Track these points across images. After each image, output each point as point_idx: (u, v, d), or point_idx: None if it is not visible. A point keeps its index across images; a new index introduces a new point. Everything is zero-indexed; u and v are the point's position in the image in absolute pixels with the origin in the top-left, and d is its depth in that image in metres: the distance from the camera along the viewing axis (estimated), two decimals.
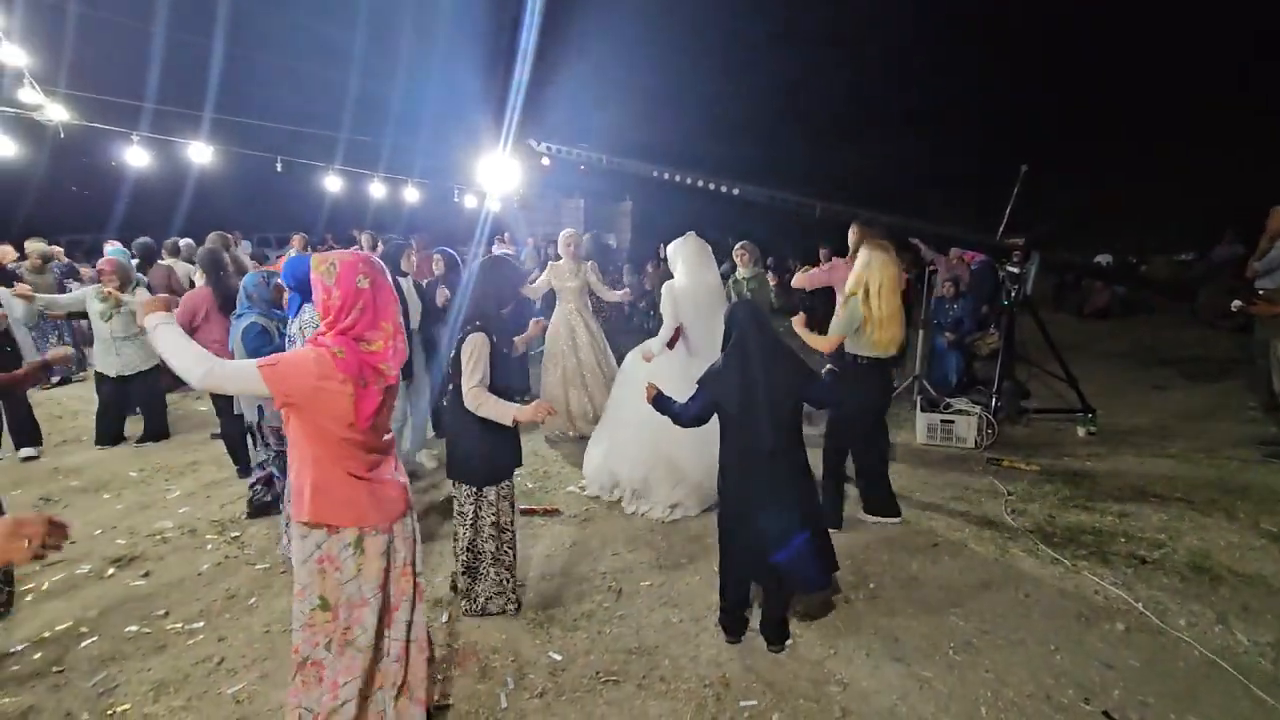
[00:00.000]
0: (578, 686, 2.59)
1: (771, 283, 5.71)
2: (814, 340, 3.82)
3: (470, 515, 2.95)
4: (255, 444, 3.91)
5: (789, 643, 2.85)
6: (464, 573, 3.02)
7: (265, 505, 4.08)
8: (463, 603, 3.06)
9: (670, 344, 4.29)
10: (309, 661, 2.00)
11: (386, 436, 2.08)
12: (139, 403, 5.72)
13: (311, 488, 1.93)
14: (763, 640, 2.84)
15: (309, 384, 1.84)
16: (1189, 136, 16.12)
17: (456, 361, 2.80)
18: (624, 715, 2.44)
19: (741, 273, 5.52)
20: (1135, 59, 16.17)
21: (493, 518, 2.96)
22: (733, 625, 2.92)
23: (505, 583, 3.04)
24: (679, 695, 2.54)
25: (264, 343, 3.57)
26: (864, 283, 3.67)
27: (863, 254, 3.73)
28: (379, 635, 2.06)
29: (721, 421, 2.82)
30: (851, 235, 4.70)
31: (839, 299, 4.65)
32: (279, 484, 3.85)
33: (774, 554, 2.68)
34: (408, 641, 2.13)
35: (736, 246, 5.58)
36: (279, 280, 3.78)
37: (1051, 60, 16.98)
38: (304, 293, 3.26)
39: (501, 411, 2.70)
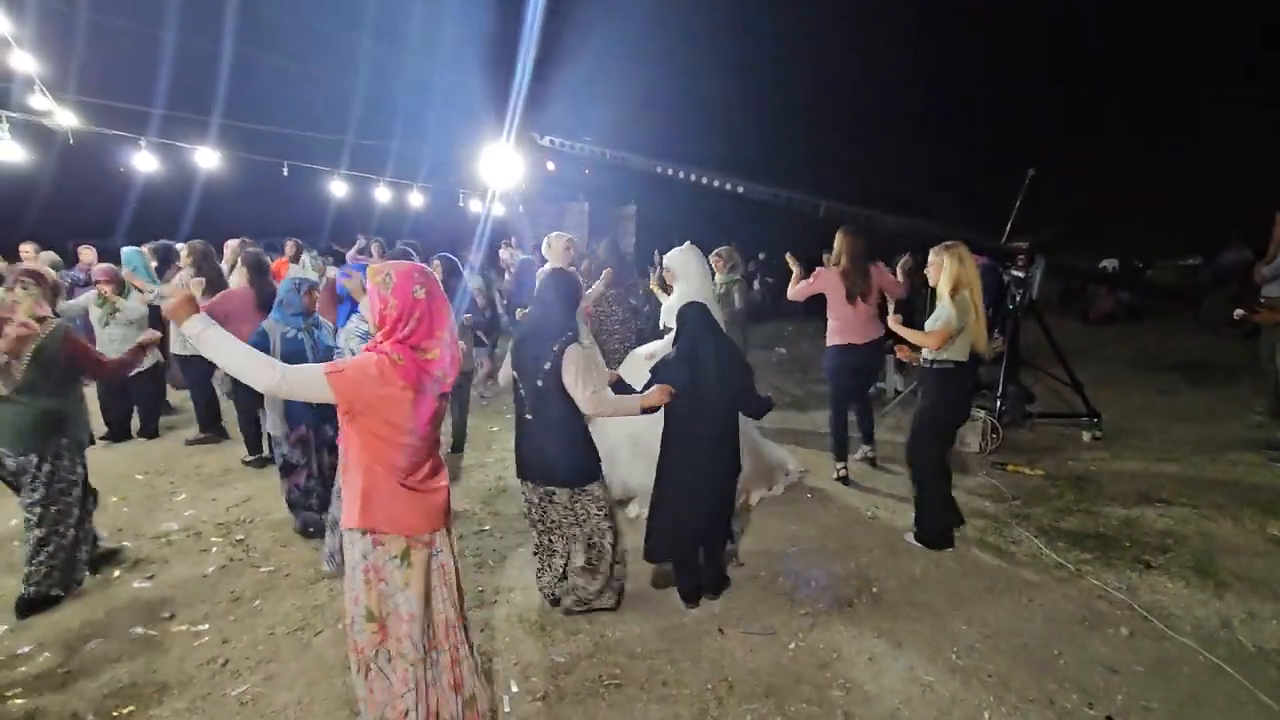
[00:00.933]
0: (580, 690, 2.59)
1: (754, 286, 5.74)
2: (918, 337, 3.66)
3: (582, 515, 2.95)
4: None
5: (726, 591, 3.25)
6: (583, 569, 2.99)
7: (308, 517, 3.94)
8: (568, 599, 3.05)
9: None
10: (372, 664, 2.02)
11: (438, 445, 2.13)
12: (138, 402, 5.81)
13: (363, 495, 1.94)
14: (763, 642, 2.86)
15: (373, 391, 1.87)
16: (1194, 130, 16.07)
17: (555, 374, 2.76)
18: (626, 718, 2.44)
19: (719, 278, 5.57)
20: (1140, 52, 16.14)
21: (598, 510, 2.96)
22: (691, 593, 3.19)
23: (621, 577, 3.11)
24: (681, 699, 2.54)
25: (296, 348, 3.66)
26: (969, 281, 3.59)
27: (948, 255, 3.66)
28: (427, 649, 2.06)
29: (668, 411, 3.02)
30: (838, 242, 4.75)
31: (831, 303, 4.69)
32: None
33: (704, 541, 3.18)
34: (460, 644, 2.14)
35: (713, 253, 5.62)
36: (310, 288, 3.82)
37: (1056, 55, 16.93)
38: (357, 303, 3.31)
39: (629, 405, 2.88)
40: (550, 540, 3.06)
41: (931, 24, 17.21)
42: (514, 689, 2.59)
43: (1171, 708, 2.45)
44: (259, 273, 4.88)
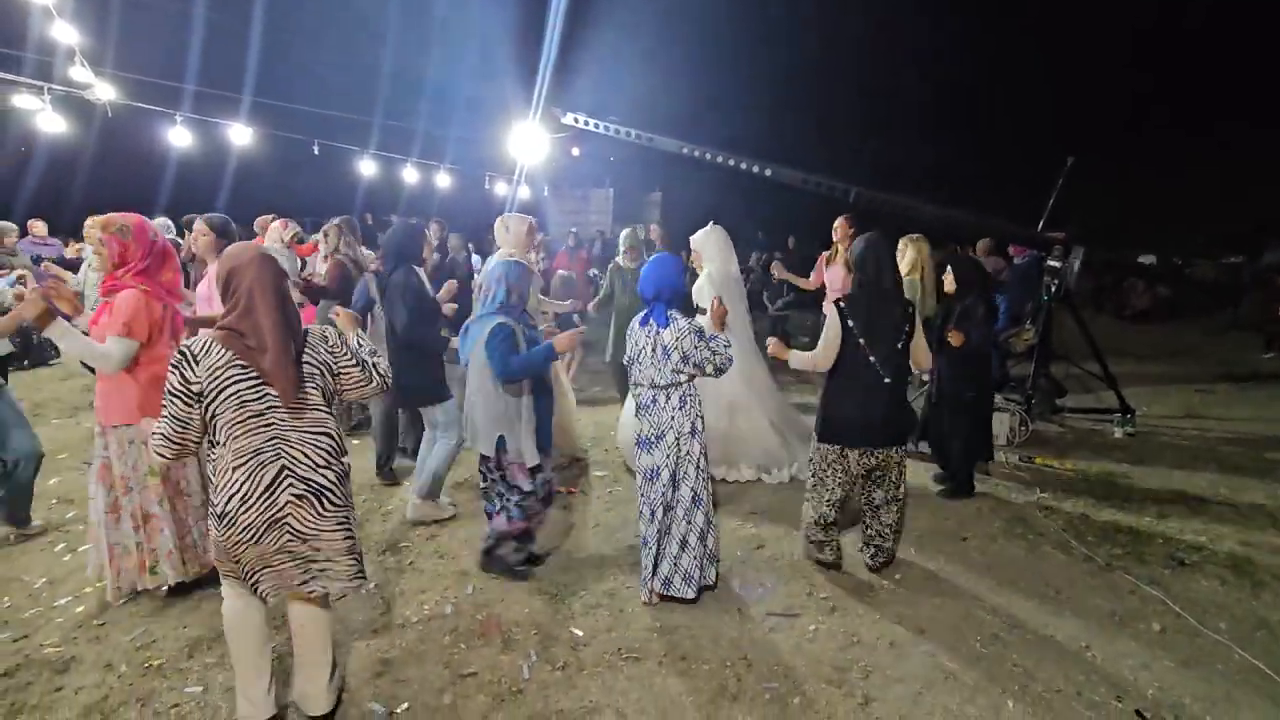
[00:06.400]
0: (599, 662, 2.60)
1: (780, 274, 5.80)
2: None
3: (900, 475, 3.20)
4: (488, 482, 3.14)
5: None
6: (894, 527, 3.24)
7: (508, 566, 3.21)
8: (880, 557, 3.27)
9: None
10: (150, 516, 2.80)
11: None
12: None
13: (139, 398, 2.71)
14: (784, 623, 2.86)
15: (151, 317, 2.68)
16: (1240, 129, 15.54)
17: (909, 337, 3.06)
18: (645, 691, 2.45)
19: (626, 262, 5.64)
20: (1177, 43, 15.66)
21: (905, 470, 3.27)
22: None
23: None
24: (700, 674, 2.54)
25: (510, 349, 2.88)
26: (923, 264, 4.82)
27: (911, 244, 4.85)
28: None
29: (959, 350, 3.88)
30: (843, 229, 5.18)
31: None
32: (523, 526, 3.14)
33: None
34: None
35: (624, 241, 5.75)
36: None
37: (1103, 44, 16.47)
38: (667, 299, 2.94)
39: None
40: (863, 505, 3.27)
41: (979, 9, 16.82)
42: (533, 657, 2.61)
43: (1204, 705, 2.39)
44: (229, 240, 4.90)
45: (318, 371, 2.08)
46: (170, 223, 6.48)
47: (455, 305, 4.25)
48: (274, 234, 5.96)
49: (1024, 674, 2.55)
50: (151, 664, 2.57)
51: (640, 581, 3.01)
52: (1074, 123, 15.92)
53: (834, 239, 5.31)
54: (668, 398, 2.92)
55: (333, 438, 2.10)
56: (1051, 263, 5.35)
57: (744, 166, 5.78)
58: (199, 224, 4.78)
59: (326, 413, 2.10)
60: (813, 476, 3.26)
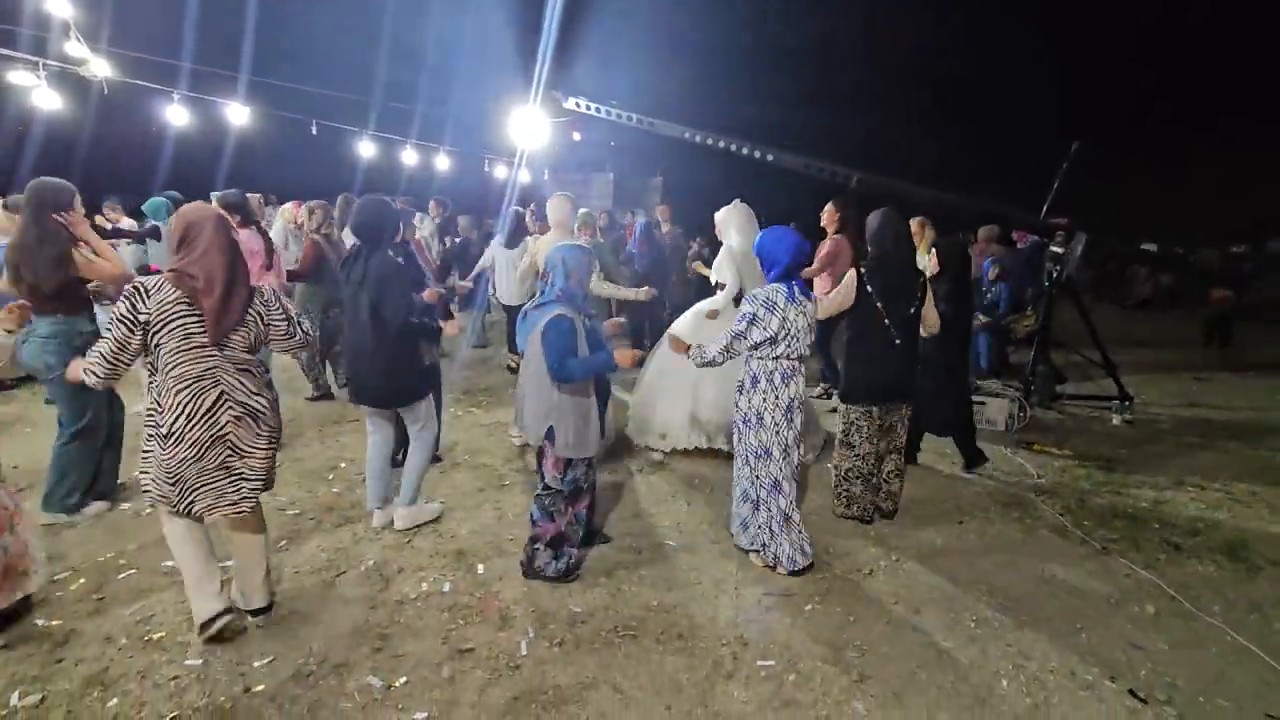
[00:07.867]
0: (596, 639, 2.62)
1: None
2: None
3: (903, 429, 3.53)
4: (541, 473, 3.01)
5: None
6: (897, 474, 3.59)
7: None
8: (888, 503, 3.61)
9: (737, 301, 4.40)
10: None
11: None
12: None
13: None
14: (780, 603, 2.87)
15: None
16: (1243, 120, 15.46)
17: (920, 303, 3.37)
18: (641, 667, 2.46)
19: (586, 241, 5.73)
20: (1185, 30, 15.53)
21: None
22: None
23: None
24: (696, 652, 2.55)
25: (568, 346, 2.74)
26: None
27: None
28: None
29: (953, 327, 3.83)
30: (830, 214, 5.28)
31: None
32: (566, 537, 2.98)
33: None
34: None
35: (579, 222, 5.76)
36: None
37: (1101, 39, 16.34)
38: (782, 270, 3.01)
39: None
40: (880, 457, 3.53)
41: (983, 3, 16.67)
42: (531, 634, 2.62)
43: (1197, 686, 2.41)
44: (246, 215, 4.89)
45: (254, 319, 2.39)
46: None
47: (442, 291, 4.00)
48: (287, 214, 5.99)
49: (1018, 654, 2.57)
50: (151, 637, 2.58)
51: (784, 558, 3.08)
52: (1078, 117, 15.77)
53: (822, 223, 5.34)
54: (795, 368, 3.10)
55: (255, 376, 2.44)
56: (1054, 249, 5.33)
57: (745, 151, 5.75)
58: (215, 203, 4.88)
59: (250, 356, 2.44)
60: (841, 435, 3.54)
